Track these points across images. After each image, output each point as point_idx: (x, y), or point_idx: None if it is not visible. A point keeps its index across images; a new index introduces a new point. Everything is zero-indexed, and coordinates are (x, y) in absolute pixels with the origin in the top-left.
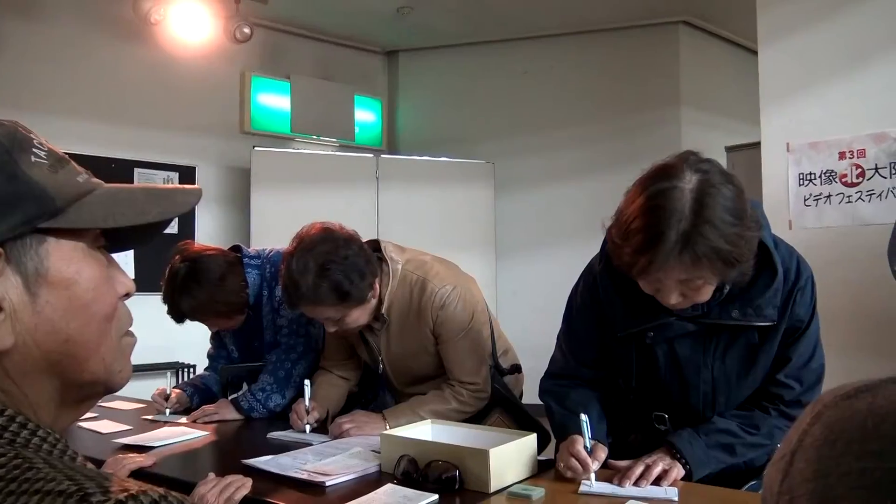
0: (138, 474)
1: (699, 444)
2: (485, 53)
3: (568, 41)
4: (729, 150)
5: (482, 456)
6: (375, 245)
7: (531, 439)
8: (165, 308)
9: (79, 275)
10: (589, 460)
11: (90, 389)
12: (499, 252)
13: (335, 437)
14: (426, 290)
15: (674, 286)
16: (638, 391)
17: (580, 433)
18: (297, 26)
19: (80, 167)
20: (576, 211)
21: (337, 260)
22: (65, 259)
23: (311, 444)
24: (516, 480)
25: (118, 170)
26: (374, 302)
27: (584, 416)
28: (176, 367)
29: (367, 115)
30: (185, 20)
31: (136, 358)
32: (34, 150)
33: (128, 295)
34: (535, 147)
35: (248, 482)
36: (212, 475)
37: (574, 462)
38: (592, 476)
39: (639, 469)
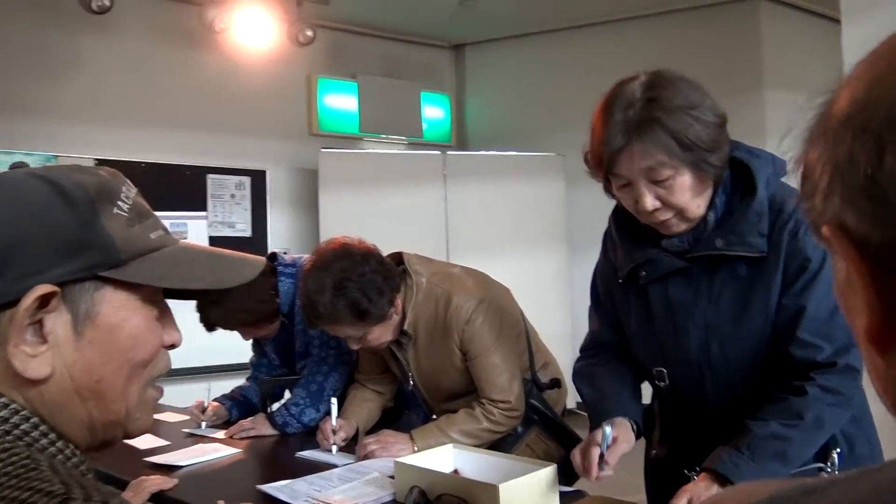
0: (158, 497)
1: (746, 463)
2: (552, 42)
3: (637, 25)
4: None
5: (492, 491)
6: (399, 258)
7: (549, 472)
8: None
9: (125, 322)
10: (594, 466)
11: (113, 431)
12: (571, 248)
13: (361, 458)
14: (451, 304)
15: (643, 185)
16: (636, 341)
17: (604, 428)
18: (361, 25)
19: (160, 224)
20: None
21: (353, 277)
22: (116, 307)
23: (335, 465)
24: None
25: (192, 177)
26: (396, 318)
27: (607, 429)
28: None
29: (435, 112)
30: (249, 27)
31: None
32: (119, 202)
33: (172, 346)
34: None
35: None
36: (221, 503)
37: (579, 461)
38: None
39: None
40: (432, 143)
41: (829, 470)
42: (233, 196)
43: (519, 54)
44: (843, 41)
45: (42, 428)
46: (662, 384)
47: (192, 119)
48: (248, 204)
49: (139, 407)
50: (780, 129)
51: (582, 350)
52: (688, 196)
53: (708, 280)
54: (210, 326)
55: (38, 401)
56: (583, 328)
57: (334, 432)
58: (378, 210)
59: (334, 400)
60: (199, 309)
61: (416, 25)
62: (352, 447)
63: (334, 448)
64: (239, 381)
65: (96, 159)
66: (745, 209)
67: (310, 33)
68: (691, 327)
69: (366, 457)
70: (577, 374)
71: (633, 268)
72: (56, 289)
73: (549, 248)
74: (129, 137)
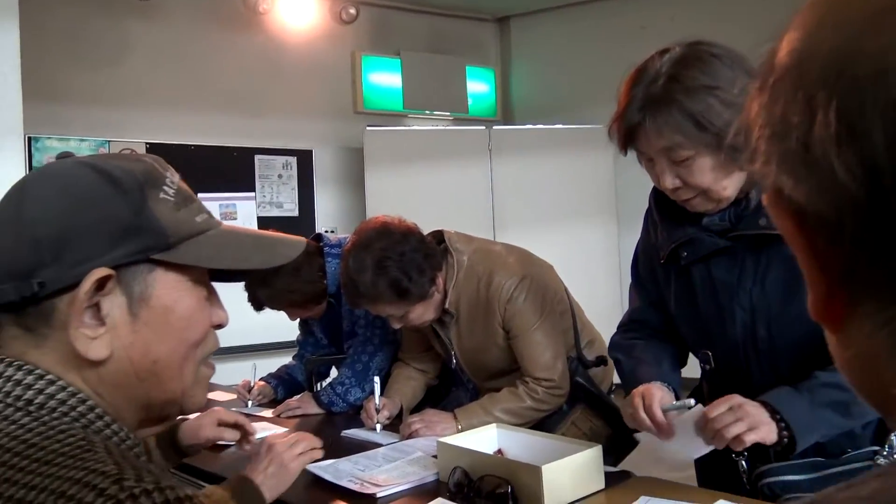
0: (205, 475)
1: (802, 403)
2: (599, 11)
3: None
4: None
5: (534, 472)
6: (440, 236)
7: (593, 452)
8: None
9: (177, 303)
10: (658, 419)
11: (169, 409)
12: (620, 221)
13: (405, 438)
14: (492, 282)
15: (664, 163)
16: (679, 323)
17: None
18: (403, 1)
19: (204, 208)
20: None
21: (393, 256)
22: (168, 288)
23: (380, 444)
24: (576, 498)
25: (240, 158)
26: (438, 297)
27: (691, 401)
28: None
29: (480, 86)
30: (292, 7)
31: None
32: (165, 187)
33: (220, 325)
34: None
35: (319, 451)
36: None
37: (644, 420)
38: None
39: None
40: (477, 118)
41: (885, 454)
42: (280, 176)
43: (564, 25)
44: None
45: (98, 410)
46: (708, 367)
47: (239, 101)
48: (295, 184)
49: (195, 385)
50: None
51: (620, 326)
52: (709, 178)
53: (753, 260)
54: (259, 305)
55: (97, 382)
56: None
57: (378, 411)
58: (424, 186)
59: (377, 379)
60: (248, 288)
61: None
62: (396, 426)
63: (378, 427)
64: (284, 359)
65: (147, 143)
66: None
67: (353, 11)
68: (736, 309)
69: (410, 436)
70: (615, 346)
71: (674, 248)
72: (112, 272)
73: (597, 222)
74: (178, 121)
